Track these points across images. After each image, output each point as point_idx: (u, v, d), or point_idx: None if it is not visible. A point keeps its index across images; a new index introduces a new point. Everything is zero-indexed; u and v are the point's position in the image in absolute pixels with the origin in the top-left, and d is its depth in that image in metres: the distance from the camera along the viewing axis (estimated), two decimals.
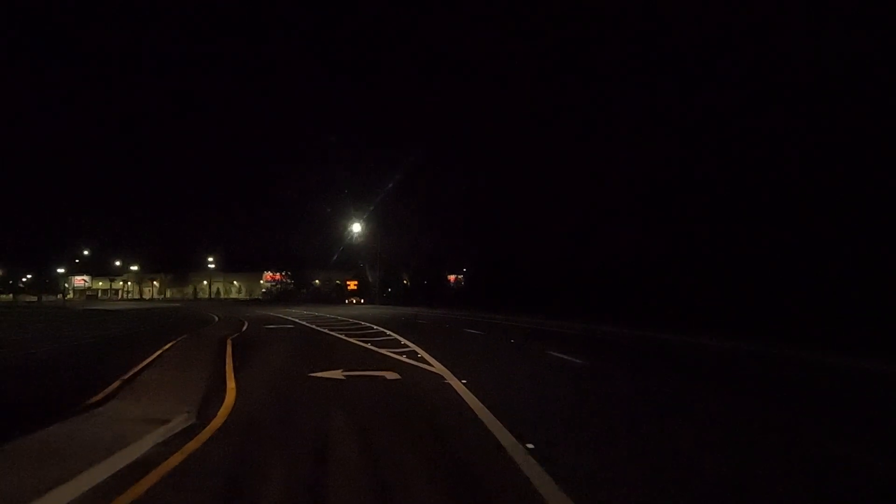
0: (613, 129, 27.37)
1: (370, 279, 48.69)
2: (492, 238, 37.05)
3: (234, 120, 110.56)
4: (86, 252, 76.79)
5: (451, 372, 8.00)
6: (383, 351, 10.99)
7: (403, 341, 12.77)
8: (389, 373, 8.07)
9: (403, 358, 9.82)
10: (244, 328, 18.77)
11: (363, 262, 54.44)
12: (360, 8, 78.63)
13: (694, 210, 20.58)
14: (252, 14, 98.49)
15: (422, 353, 10.49)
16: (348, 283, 55.46)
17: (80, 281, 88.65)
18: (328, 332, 16.44)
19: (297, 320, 23.17)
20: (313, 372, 8.19)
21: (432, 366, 8.78)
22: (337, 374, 7.99)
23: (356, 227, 42.03)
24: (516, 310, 26.68)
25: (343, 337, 14.46)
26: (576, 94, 34.18)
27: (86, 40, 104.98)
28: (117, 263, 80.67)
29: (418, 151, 42.97)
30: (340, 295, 56.57)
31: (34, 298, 72.75)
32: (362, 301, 48.48)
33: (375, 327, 17.42)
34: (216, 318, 25.91)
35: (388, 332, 15.30)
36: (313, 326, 19.04)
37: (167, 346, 11.51)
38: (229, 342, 12.80)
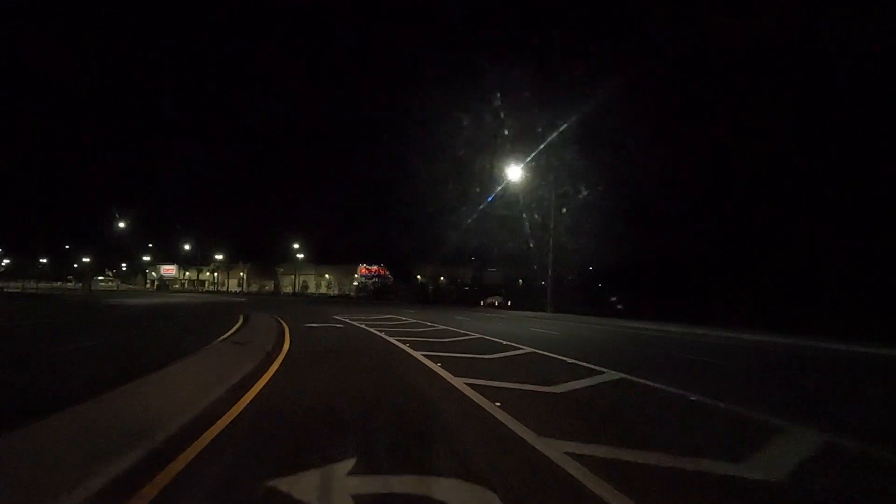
0: None
1: (542, 274, 30.29)
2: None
3: (342, 96, 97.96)
4: (147, 240, 69.62)
5: None
6: None
7: None
8: None
9: None
10: None
11: (476, 256, 42.69)
12: None
13: None
14: None
15: None
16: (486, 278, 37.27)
17: (167, 270, 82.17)
18: None
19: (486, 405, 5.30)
20: None
21: None
22: None
23: (514, 174, 23.72)
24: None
25: None
26: None
27: (185, 25, 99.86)
28: (186, 247, 71.61)
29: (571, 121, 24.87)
30: (463, 293, 38.31)
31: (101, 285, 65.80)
32: (509, 303, 30.14)
33: None
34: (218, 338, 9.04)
35: None
36: None
37: None
38: None
